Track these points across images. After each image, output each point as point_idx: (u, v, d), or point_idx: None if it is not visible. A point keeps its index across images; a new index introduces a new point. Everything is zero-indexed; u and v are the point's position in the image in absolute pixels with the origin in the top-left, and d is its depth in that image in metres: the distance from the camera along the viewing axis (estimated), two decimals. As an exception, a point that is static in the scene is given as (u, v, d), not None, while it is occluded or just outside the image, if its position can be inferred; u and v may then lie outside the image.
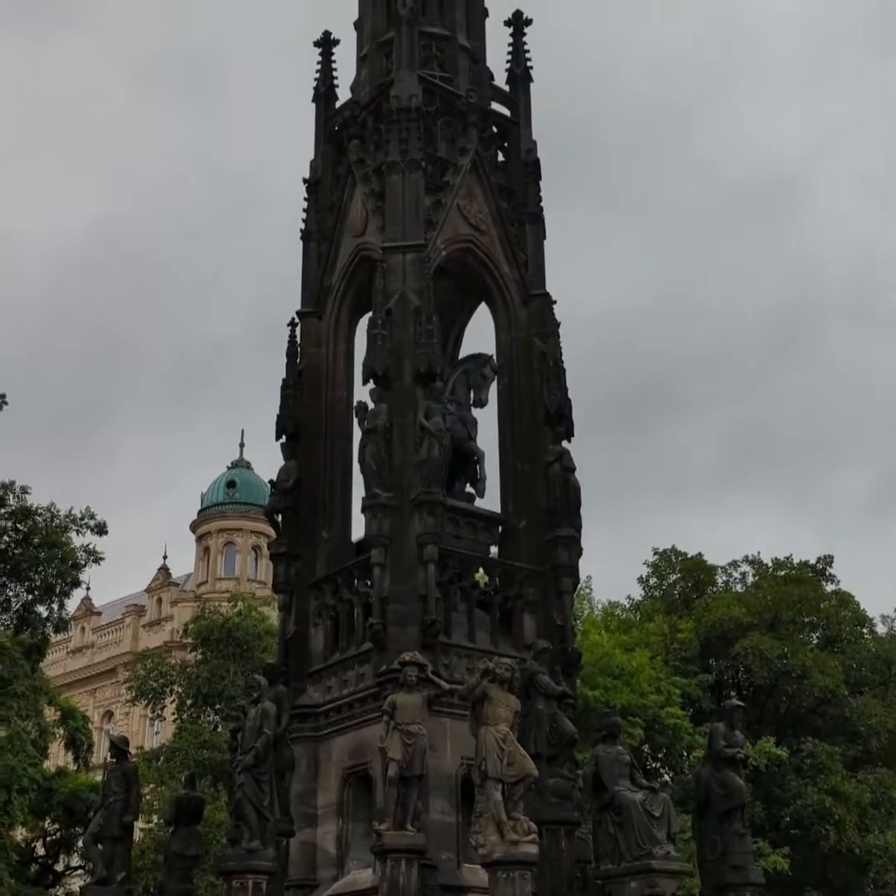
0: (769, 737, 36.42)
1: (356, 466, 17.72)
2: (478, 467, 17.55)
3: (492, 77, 20.03)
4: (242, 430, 65.08)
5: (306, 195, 19.42)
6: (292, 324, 18.58)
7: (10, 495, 30.47)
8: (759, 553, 45.52)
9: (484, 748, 12.65)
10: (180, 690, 37.78)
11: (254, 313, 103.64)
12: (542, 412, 17.52)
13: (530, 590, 16.64)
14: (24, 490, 30.42)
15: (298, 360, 18.35)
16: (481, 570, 16.78)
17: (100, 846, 15.41)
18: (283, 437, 18.00)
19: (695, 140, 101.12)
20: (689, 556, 44.75)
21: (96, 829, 15.52)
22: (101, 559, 31.92)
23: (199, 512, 62.35)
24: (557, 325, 18.14)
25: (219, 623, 37.47)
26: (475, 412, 18.02)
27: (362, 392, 18.40)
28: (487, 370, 17.78)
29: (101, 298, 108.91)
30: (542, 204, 19.06)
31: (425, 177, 17.73)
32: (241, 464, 63.50)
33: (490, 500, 17.64)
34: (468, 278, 18.64)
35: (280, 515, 17.71)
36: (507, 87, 20.01)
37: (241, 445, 64.20)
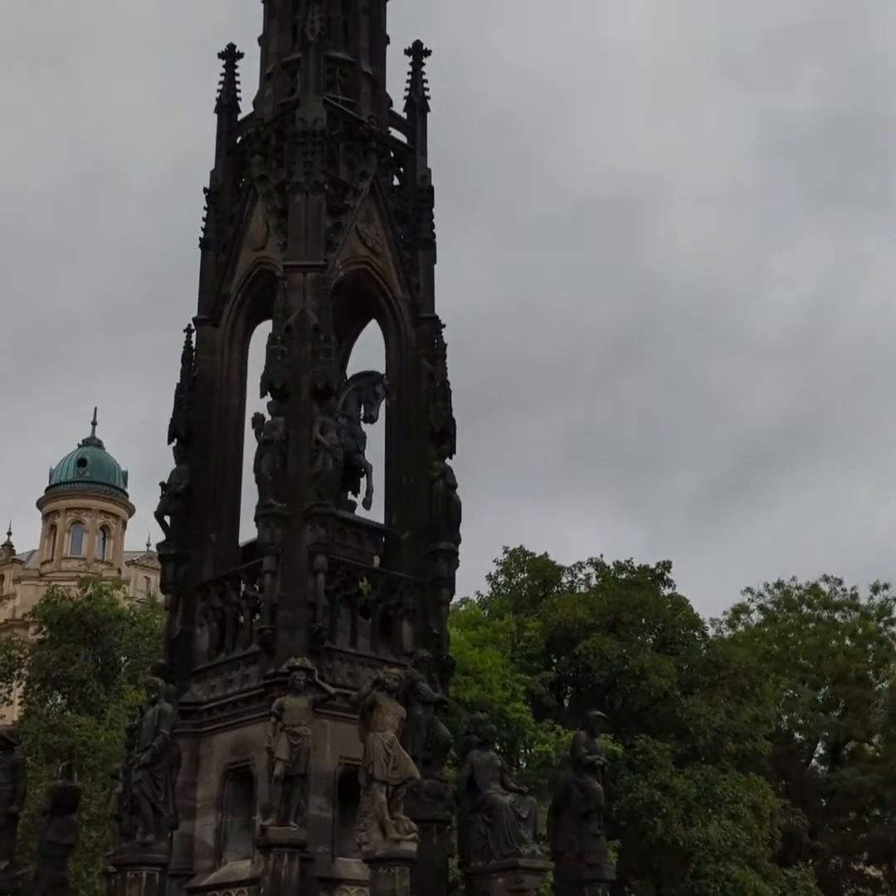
0: (606, 735, 38.34)
1: (245, 472, 18.52)
2: (366, 480, 18.42)
3: (391, 103, 20.86)
4: (95, 408, 64.43)
5: (206, 204, 19.92)
6: (188, 330, 19.11)
7: None
8: (601, 556, 47.71)
9: (372, 752, 13.62)
10: (28, 673, 37.57)
11: (101, 291, 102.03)
12: (427, 430, 18.51)
13: (410, 599, 17.64)
14: None
15: (192, 367, 18.89)
16: (365, 579, 17.68)
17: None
18: (175, 440, 18.55)
19: (550, 155, 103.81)
20: (537, 556, 46.60)
21: (-20, 819, 15.88)
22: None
23: (47, 489, 61.41)
24: (445, 347, 19.16)
25: (68, 607, 37.39)
26: (364, 426, 18.88)
27: (253, 400, 19.21)
28: (379, 388, 18.65)
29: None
30: (435, 231, 20.04)
31: (327, 199, 18.48)
32: (92, 442, 62.80)
33: (375, 512, 18.57)
34: (361, 297, 19.46)
35: (169, 517, 18.23)
36: (403, 114, 20.90)
37: (93, 423, 63.61)
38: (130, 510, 63.25)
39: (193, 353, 18.96)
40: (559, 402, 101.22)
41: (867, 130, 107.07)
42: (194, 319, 19.23)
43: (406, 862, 13.32)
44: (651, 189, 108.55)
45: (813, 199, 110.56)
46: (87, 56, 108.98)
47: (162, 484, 18.37)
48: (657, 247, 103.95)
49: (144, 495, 66.00)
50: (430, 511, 18.05)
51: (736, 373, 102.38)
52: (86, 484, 60.85)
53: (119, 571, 59.01)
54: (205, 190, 19.96)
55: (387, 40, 21.08)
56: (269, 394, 17.30)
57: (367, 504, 18.40)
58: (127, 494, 62.96)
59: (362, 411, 18.76)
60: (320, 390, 17.15)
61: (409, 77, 20.98)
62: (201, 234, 19.76)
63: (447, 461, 18.48)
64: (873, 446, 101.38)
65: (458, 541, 18.11)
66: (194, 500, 18.19)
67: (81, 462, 61.59)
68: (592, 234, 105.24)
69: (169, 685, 15.96)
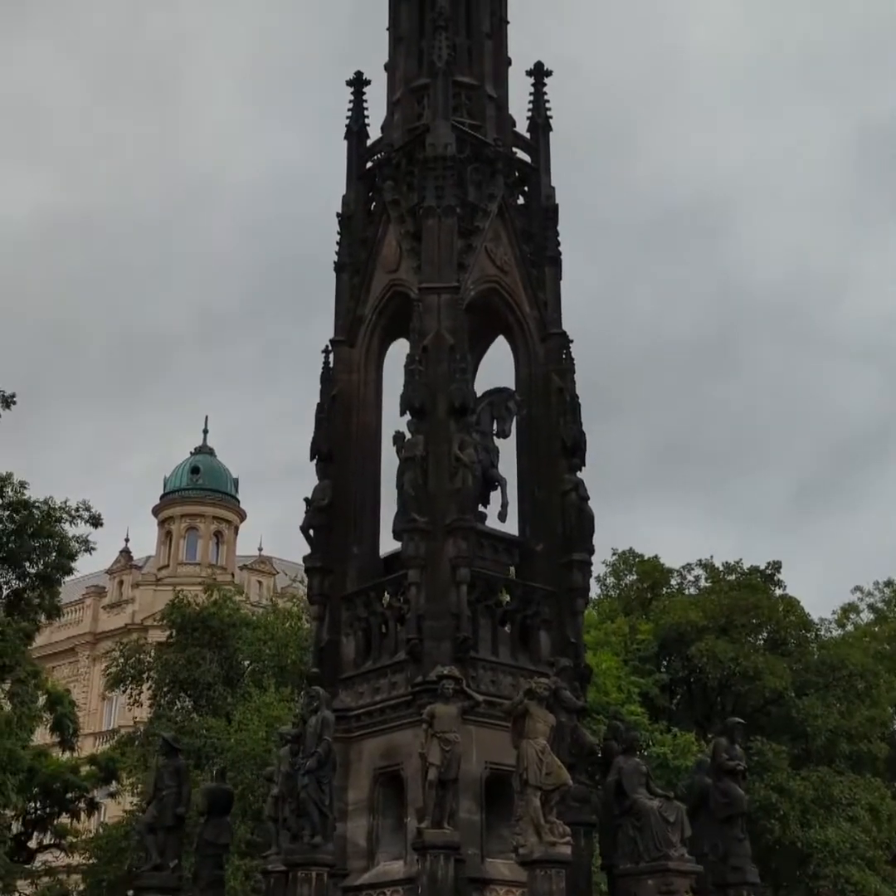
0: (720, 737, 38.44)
1: (383, 487, 19.25)
2: (500, 493, 19.00)
3: (514, 124, 21.41)
4: (206, 417, 65.88)
5: (339, 229, 20.68)
6: (326, 351, 19.90)
7: (8, 488, 31.40)
8: (711, 557, 47.75)
9: (526, 759, 14.21)
10: (155, 676, 38.87)
11: (200, 307, 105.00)
12: (558, 443, 19.03)
13: (546, 609, 18.18)
14: (23, 484, 31.36)
15: (331, 386, 19.66)
16: (503, 589, 18.27)
17: (153, 835, 16.75)
18: (317, 457, 19.33)
19: (632, 161, 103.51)
20: (646, 558, 46.82)
21: (150, 820, 16.88)
22: (94, 549, 33.02)
23: (162, 496, 63.17)
24: (573, 361, 19.65)
25: (194, 611, 38.61)
26: (497, 441, 19.46)
27: (388, 417, 19.95)
28: (512, 404, 19.20)
29: (50, 284, 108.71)
30: (560, 248, 20.55)
31: (458, 221, 19.11)
32: (204, 450, 64.45)
33: (509, 524, 19.13)
34: (490, 314, 20.04)
35: (313, 531, 19.01)
36: (527, 134, 21.42)
37: (205, 432, 65.25)
38: (242, 516, 64.83)
39: (331, 373, 19.70)
40: (646, 406, 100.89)
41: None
42: (331, 340, 20.00)
43: (562, 864, 13.88)
44: (737, 195, 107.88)
45: None
46: (184, 82, 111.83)
47: (306, 499, 19.15)
48: (743, 251, 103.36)
49: (253, 501, 67.76)
50: (563, 522, 18.57)
51: (824, 374, 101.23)
52: (200, 491, 62.48)
53: (232, 576, 60.54)
54: (338, 215, 20.72)
55: (508, 62, 21.64)
56: (408, 412, 17.98)
57: (502, 517, 18.96)
58: (238, 500, 64.55)
59: (495, 426, 19.31)
60: (457, 408, 17.78)
61: (532, 97, 21.53)
62: (335, 258, 20.52)
63: (578, 474, 18.98)
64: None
65: (591, 551, 18.62)
66: (336, 514, 18.94)
67: (195, 470, 63.24)
68: (677, 240, 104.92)
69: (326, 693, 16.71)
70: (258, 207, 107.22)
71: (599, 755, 16.70)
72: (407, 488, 17.41)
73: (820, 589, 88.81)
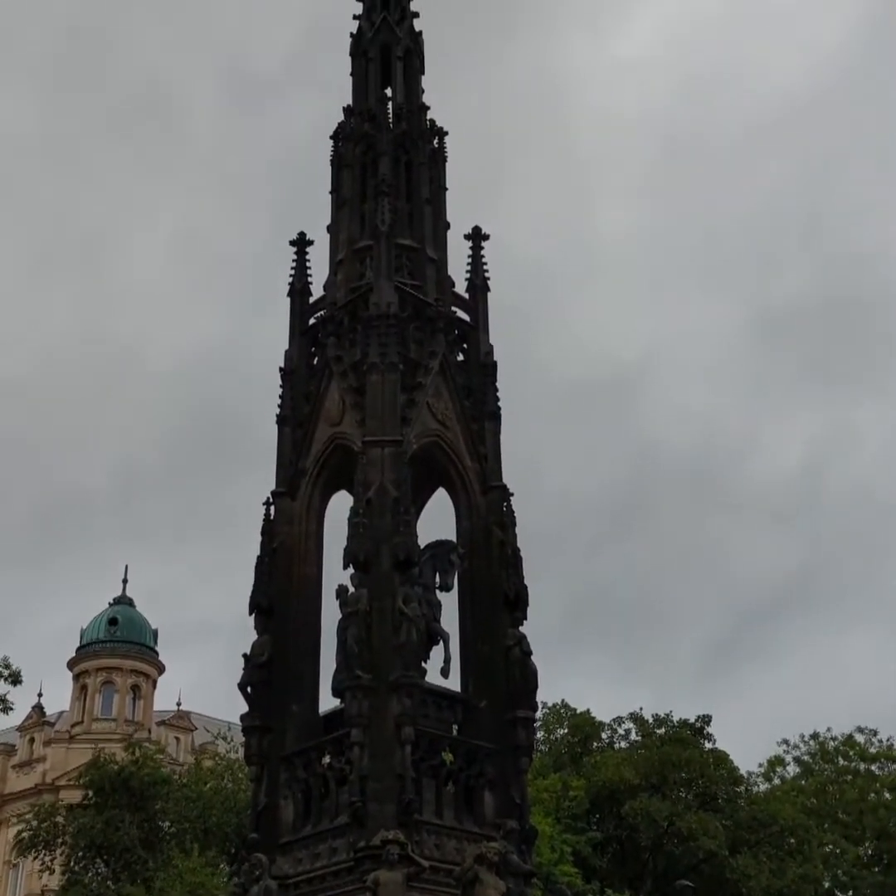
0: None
1: (323, 641, 18.97)
2: (443, 648, 18.81)
3: (453, 284, 21.98)
4: (126, 566, 64.60)
5: (281, 383, 20.85)
6: (267, 503, 19.81)
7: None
8: (640, 709, 47.58)
9: (476, 927, 13.72)
10: (70, 840, 37.13)
11: (121, 464, 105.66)
12: (501, 597, 18.99)
13: (490, 768, 17.85)
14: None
15: (271, 538, 19.51)
16: (447, 748, 17.92)
17: None
18: (256, 611, 19.03)
19: (546, 339, 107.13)
20: (578, 711, 46.39)
21: None
22: (11, 709, 31.87)
23: (79, 649, 61.38)
24: (514, 514, 19.78)
25: (115, 770, 37.20)
26: (439, 594, 19.37)
27: (329, 570, 19.80)
28: (454, 557, 19.21)
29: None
30: (499, 403, 20.91)
31: (400, 377, 19.42)
32: (123, 600, 63.03)
33: (452, 679, 18.91)
34: (431, 467, 20.18)
35: (251, 688, 18.57)
36: (465, 294, 21.97)
37: (124, 581, 63.86)
38: (160, 669, 63.11)
39: (272, 525, 19.58)
40: (561, 563, 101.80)
41: (846, 313, 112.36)
42: (273, 492, 19.94)
43: None
44: (647, 365, 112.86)
45: (800, 374, 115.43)
46: (115, 257, 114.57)
47: (244, 655, 18.78)
48: (651, 419, 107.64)
49: (172, 653, 66.21)
50: (507, 678, 18.39)
51: (732, 533, 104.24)
52: (117, 643, 60.83)
53: (149, 731, 58.56)
54: (280, 370, 20.91)
55: (447, 226, 22.34)
56: (351, 565, 17.87)
57: (444, 673, 18.75)
58: (157, 653, 62.94)
59: (438, 579, 19.27)
60: (402, 561, 17.73)
61: (470, 259, 22.16)
62: (277, 411, 20.62)
63: (521, 628, 18.91)
64: (871, 602, 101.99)
65: (535, 708, 18.46)
66: (275, 670, 18.57)
67: (113, 621, 61.71)
68: (591, 407, 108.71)
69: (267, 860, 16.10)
70: (180, 375, 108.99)
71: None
72: (350, 643, 17.18)
73: (742, 743, 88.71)
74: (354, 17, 23.10)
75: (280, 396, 20.75)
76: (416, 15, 23.18)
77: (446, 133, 22.40)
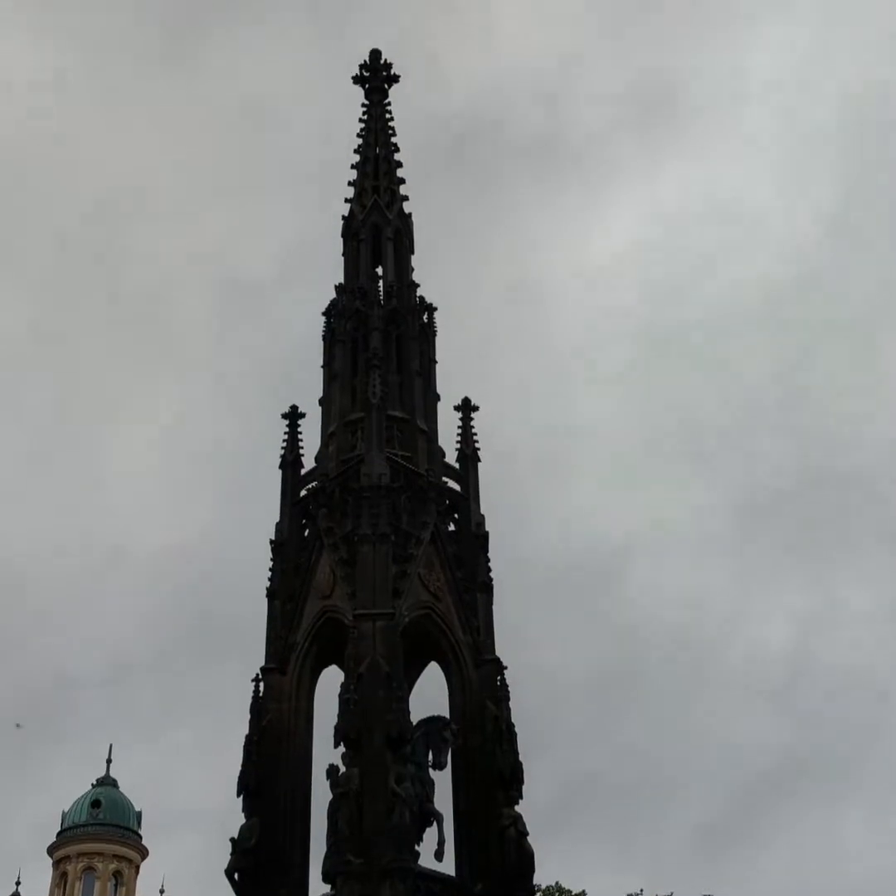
0: None
1: (314, 822, 18.36)
2: (437, 829, 18.19)
3: (443, 455, 22.13)
4: (110, 745, 62.70)
5: (272, 556, 20.74)
6: (256, 679, 19.43)
7: None
8: (641, 892, 45.71)
9: None
10: None
11: (106, 648, 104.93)
12: (495, 774, 18.49)
13: (488, 955, 17.05)
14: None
15: (261, 716, 19.05)
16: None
17: None
18: (244, 793, 18.45)
19: (523, 528, 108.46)
20: (573, 893, 44.55)
21: None
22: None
23: (59, 833, 59.15)
24: (508, 689, 19.40)
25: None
26: (432, 772, 18.81)
27: (319, 746, 19.27)
28: (448, 733, 18.73)
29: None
30: (492, 574, 20.78)
31: (392, 548, 19.33)
32: (107, 781, 61.04)
33: (446, 862, 18.20)
34: (423, 639, 19.91)
35: (238, 875, 17.87)
36: (456, 465, 22.08)
37: (108, 761, 61.98)
38: (144, 853, 60.73)
39: (261, 703, 19.16)
40: (552, 743, 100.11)
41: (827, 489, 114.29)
42: (262, 668, 19.60)
43: None
44: (633, 545, 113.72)
45: (785, 552, 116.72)
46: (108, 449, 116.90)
47: (232, 840, 18.13)
48: (641, 596, 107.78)
49: (156, 837, 63.80)
50: (503, 861, 17.77)
51: (721, 710, 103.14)
52: (99, 827, 58.62)
53: (131, 921, 56.03)
54: (271, 542, 20.84)
55: (437, 398, 22.62)
56: (343, 743, 17.43)
57: (438, 856, 18.09)
58: (140, 836, 60.67)
59: (431, 757, 18.75)
60: (394, 738, 17.33)
61: (460, 430, 22.37)
62: (268, 584, 20.44)
63: (516, 807, 18.36)
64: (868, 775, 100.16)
65: (532, 892, 17.81)
66: (263, 854, 17.92)
67: (96, 803, 59.65)
68: (579, 589, 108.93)
69: None
70: (167, 557, 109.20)
71: None
72: (341, 826, 16.66)
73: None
74: (346, 200, 23.93)
75: (271, 569, 20.63)
76: (406, 198, 24.03)
77: (435, 308, 22.97)
